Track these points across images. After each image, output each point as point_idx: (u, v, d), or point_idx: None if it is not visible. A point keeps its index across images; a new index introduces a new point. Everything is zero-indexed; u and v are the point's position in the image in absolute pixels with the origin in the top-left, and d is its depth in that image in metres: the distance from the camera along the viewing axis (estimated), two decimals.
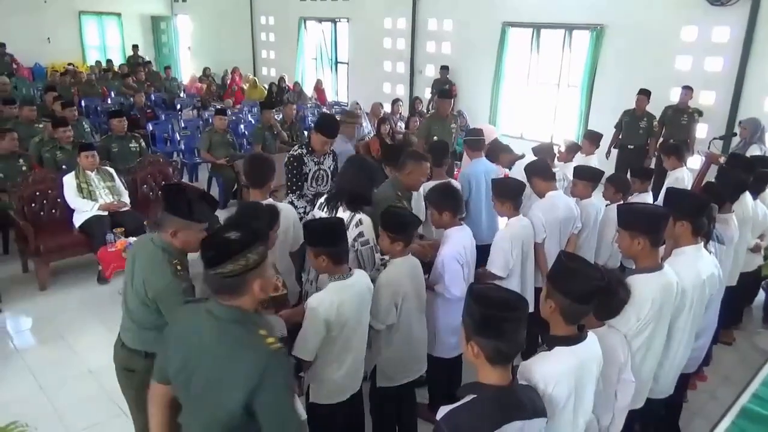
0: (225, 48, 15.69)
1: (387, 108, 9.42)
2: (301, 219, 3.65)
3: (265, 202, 3.21)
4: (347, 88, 13.00)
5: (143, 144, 6.88)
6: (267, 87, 12.60)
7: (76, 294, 5.07)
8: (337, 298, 2.46)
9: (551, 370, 1.90)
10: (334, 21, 13.00)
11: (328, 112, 10.90)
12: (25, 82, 12.77)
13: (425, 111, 9.80)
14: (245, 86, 13.14)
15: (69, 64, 14.00)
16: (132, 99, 10.58)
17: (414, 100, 9.86)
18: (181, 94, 12.99)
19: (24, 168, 5.83)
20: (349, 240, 2.85)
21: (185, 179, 7.62)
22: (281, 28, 14.22)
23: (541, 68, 9.62)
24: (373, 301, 2.74)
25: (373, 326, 2.79)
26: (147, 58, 15.47)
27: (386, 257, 3.04)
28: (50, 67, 14.51)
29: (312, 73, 13.66)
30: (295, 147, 4.12)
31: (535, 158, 4.57)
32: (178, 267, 2.36)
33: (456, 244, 3.08)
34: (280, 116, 8.66)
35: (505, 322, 1.69)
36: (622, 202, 4.14)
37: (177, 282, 2.32)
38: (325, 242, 2.49)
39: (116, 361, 2.61)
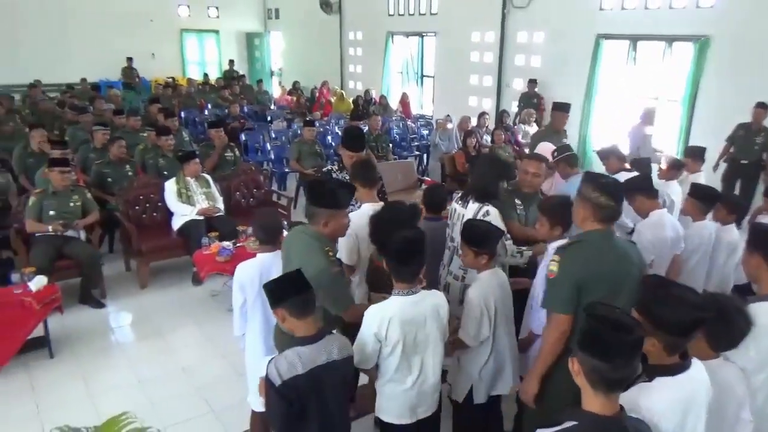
0: (314, 62, 16.19)
1: (473, 122, 9.31)
2: None
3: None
4: (432, 102, 13.02)
5: (237, 153, 7.18)
6: (353, 100, 12.84)
7: (173, 294, 5.33)
8: (389, 314, 2.40)
9: (656, 402, 1.76)
10: (421, 35, 13.08)
11: (412, 124, 10.95)
12: (133, 95, 13.74)
13: (512, 125, 9.61)
14: (333, 99, 13.45)
15: (170, 77, 14.95)
16: (227, 111, 11.12)
17: (501, 114, 9.69)
18: (272, 107, 13.51)
19: (130, 173, 6.22)
20: None
21: (274, 187, 7.87)
22: (369, 42, 14.49)
23: (637, 82, 9.19)
24: (465, 317, 2.66)
25: (466, 342, 2.71)
26: (241, 72, 16.22)
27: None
28: (154, 81, 15.57)
29: (398, 87, 13.78)
30: (327, 165, 4.11)
31: (635, 173, 4.32)
32: (330, 253, 2.64)
33: None
34: (366, 128, 8.77)
35: (611, 342, 1.58)
36: (734, 224, 3.84)
37: (330, 266, 2.59)
38: (396, 258, 2.45)
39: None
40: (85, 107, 8.78)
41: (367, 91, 13.02)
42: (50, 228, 4.88)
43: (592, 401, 1.63)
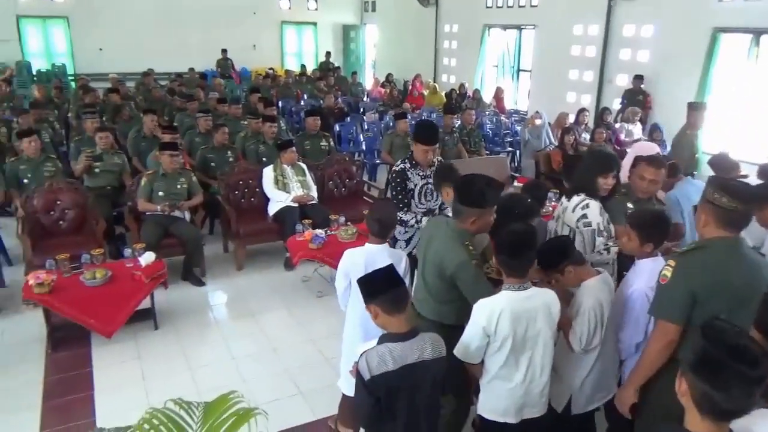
0: (408, 55, 16.22)
1: (571, 118, 8.96)
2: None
3: None
4: (528, 97, 12.66)
5: (332, 143, 7.33)
6: (447, 93, 12.74)
7: (266, 277, 5.53)
8: (499, 307, 2.36)
9: None
10: (519, 28, 12.74)
11: (506, 119, 10.70)
12: (234, 84, 14.38)
13: (613, 123, 9.15)
14: (425, 92, 13.42)
15: (270, 68, 15.49)
16: (322, 101, 11.38)
17: (602, 111, 9.25)
18: (365, 98, 13.68)
19: (231, 159, 6.52)
20: (572, 222, 3.15)
21: (365, 178, 7.97)
22: (464, 35, 14.31)
23: (760, 80, 8.45)
24: (576, 323, 2.56)
25: (574, 348, 2.60)
26: (336, 64, 16.55)
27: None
28: (254, 71, 16.21)
29: (492, 81, 13.53)
30: (398, 162, 3.93)
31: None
32: (470, 248, 2.71)
33: (650, 279, 2.52)
34: (458, 122, 8.67)
35: (727, 371, 1.42)
36: None
37: (471, 259, 2.66)
38: (507, 252, 2.41)
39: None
40: (192, 95, 9.28)
41: (461, 85, 12.87)
42: (159, 208, 5.21)
43: (698, 425, 1.48)
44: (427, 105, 12.26)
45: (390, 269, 2.29)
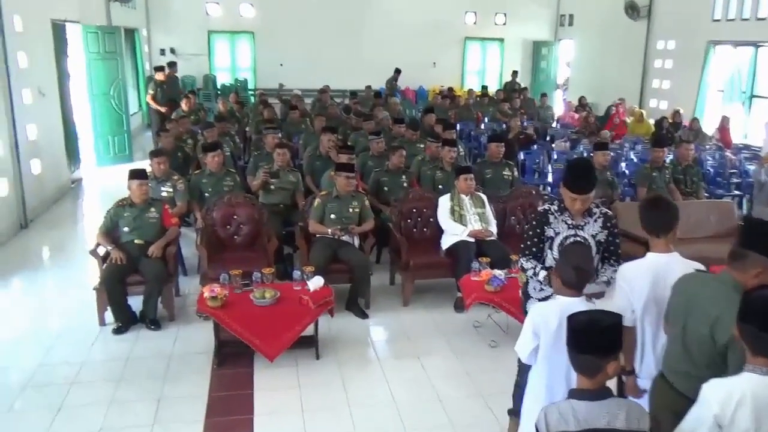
0: (608, 76, 15.66)
1: None
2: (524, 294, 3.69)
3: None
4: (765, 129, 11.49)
5: (515, 173, 7.29)
6: (656, 122, 12.05)
7: (434, 316, 5.60)
8: (738, 393, 2.17)
9: None
10: (756, 45, 11.68)
11: (732, 156, 9.78)
12: (410, 104, 15.00)
13: None
14: (629, 119, 12.83)
15: (443, 86, 15.92)
16: (504, 125, 11.39)
17: None
18: (554, 124, 13.43)
19: (405, 184, 6.77)
20: None
21: None
22: (681, 53, 13.48)
23: None
24: None
25: None
26: (523, 85, 16.51)
27: None
28: (432, 90, 16.78)
29: (716, 109, 12.53)
30: (545, 203, 3.61)
31: None
32: None
33: None
34: (671, 157, 8.14)
35: None
36: None
37: None
38: (759, 323, 2.18)
39: (658, 400, 2.74)
40: (369, 114, 9.85)
41: (675, 112, 12.12)
42: (329, 231, 5.56)
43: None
44: (631, 134, 11.71)
45: (614, 327, 2.24)
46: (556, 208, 3.48)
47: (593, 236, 3.43)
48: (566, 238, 3.43)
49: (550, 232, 3.47)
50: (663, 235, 3.02)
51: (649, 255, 3.05)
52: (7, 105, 7.31)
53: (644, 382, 3.03)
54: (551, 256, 3.47)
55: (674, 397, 2.63)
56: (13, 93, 7.42)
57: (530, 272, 3.51)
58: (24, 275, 6.37)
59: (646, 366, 3.07)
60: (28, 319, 5.43)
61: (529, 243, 3.53)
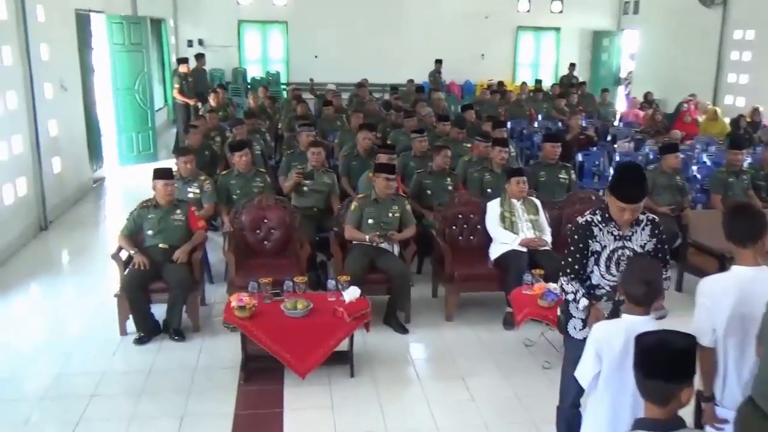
0: (677, 69, 15.36)
1: None
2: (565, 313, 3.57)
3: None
4: None
5: (573, 176, 7.19)
6: (732, 120, 11.75)
7: (480, 333, 5.56)
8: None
9: None
10: None
11: None
12: (455, 99, 14.98)
13: None
14: (701, 118, 12.55)
15: (498, 82, 15.84)
16: (560, 123, 11.26)
17: None
18: (616, 122, 13.22)
19: (450, 187, 6.75)
20: None
21: None
22: (762, 45, 13.12)
23: None
24: None
25: None
26: (581, 79, 16.31)
27: None
28: (479, 84, 16.71)
29: None
30: (587, 213, 3.48)
31: None
32: None
33: None
34: (749, 160, 7.94)
35: None
36: None
37: None
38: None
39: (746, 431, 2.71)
40: (411, 111, 9.86)
41: (754, 110, 11.82)
42: (367, 237, 5.57)
43: None
44: (703, 135, 11.45)
45: (687, 350, 2.19)
46: (599, 218, 3.40)
47: (642, 246, 3.37)
48: (613, 251, 3.36)
49: (595, 246, 3.38)
50: (750, 245, 2.93)
51: (734, 268, 2.97)
52: (28, 99, 7.56)
53: (726, 411, 2.94)
54: (598, 273, 3.41)
55: (766, 427, 2.56)
56: (35, 87, 7.66)
57: (570, 296, 3.44)
58: (42, 280, 6.56)
59: (729, 393, 2.97)
60: (47, 327, 5.60)
61: (570, 260, 3.45)
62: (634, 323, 2.80)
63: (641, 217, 3.40)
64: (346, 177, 7.45)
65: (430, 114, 10.08)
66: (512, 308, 5.20)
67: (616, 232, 3.36)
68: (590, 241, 3.38)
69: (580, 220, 3.46)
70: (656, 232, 3.42)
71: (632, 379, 2.34)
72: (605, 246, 3.37)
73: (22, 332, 5.46)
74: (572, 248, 3.44)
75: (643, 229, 3.40)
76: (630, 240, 3.37)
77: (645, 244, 3.38)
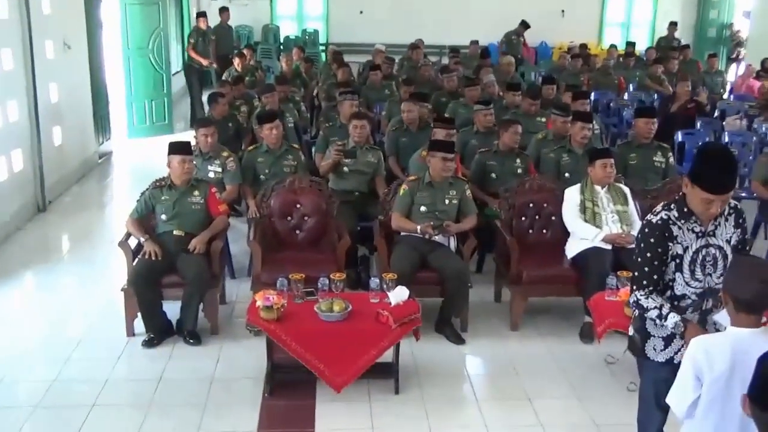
0: None
1: None
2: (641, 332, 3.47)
3: None
4: None
5: (670, 159, 7.04)
6: None
7: (552, 346, 5.50)
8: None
9: None
10: None
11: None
12: (527, 65, 14.80)
13: None
14: None
15: (581, 45, 15.59)
16: (657, 96, 11.02)
17: None
18: (726, 95, 12.89)
19: (520, 171, 6.68)
20: None
21: None
22: None
23: None
24: None
25: None
26: (684, 42, 15.96)
27: None
28: (558, 47, 16.49)
29: None
30: (657, 208, 3.33)
31: None
32: None
33: None
34: None
35: None
36: None
37: None
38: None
39: None
40: (473, 78, 9.78)
41: None
42: (419, 228, 5.55)
43: None
44: None
45: None
46: (676, 213, 3.26)
47: (727, 241, 3.31)
48: (697, 251, 3.28)
49: (677, 249, 3.27)
50: None
51: None
52: (26, 59, 7.72)
53: None
54: (682, 280, 3.32)
55: None
56: (34, 44, 7.81)
57: (653, 313, 3.29)
58: (39, 269, 6.74)
59: None
60: (43, 325, 5.73)
61: (647, 270, 3.31)
62: (743, 338, 2.72)
63: (717, 210, 3.24)
64: (394, 156, 7.45)
65: (493, 83, 9.99)
66: (592, 317, 5.13)
67: (698, 229, 3.26)
68: (670, 244, 3.27)
69: (654, 218, 3.30)
70: (740, 221, 3.36)
71: (739, 409, 2.28)
72: (687, 247, 3.27)
73: (14, 330, 5.59)
74: (648, 254, 3.30)
75: (726, 219, 3.31)
76: (714, 235, 3.29)
77: (730, 237, 3.32)
